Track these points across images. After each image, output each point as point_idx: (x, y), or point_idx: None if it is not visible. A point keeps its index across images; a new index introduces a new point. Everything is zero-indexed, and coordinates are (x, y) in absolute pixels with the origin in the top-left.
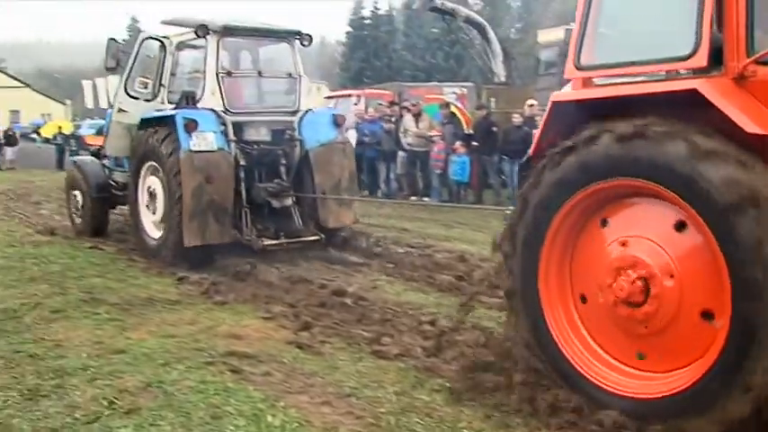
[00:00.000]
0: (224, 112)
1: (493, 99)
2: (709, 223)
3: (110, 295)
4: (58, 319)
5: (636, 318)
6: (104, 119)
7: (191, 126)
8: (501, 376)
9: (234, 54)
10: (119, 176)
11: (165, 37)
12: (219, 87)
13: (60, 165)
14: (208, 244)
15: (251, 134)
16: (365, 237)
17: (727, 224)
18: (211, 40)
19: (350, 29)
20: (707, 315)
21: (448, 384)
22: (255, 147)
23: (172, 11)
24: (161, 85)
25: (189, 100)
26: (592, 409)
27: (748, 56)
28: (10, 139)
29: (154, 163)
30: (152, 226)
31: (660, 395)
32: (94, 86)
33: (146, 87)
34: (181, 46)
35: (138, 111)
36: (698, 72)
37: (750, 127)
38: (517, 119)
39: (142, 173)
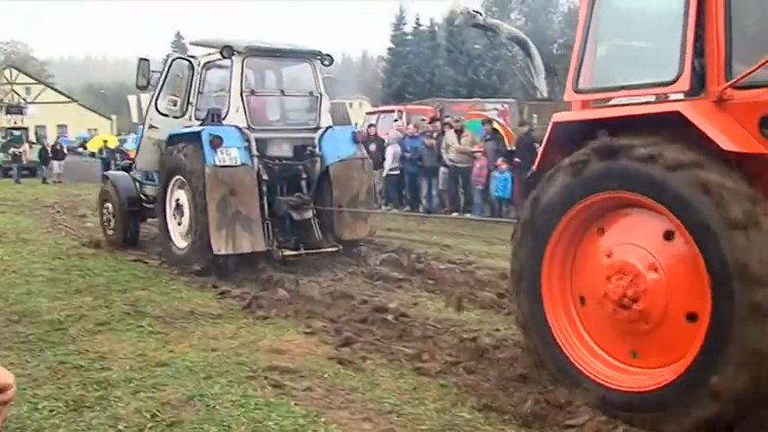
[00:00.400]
0: (248, 129)
1: (535, 115)
2: (690, 231)
3: (153, 308)
4: (103, 331)
5: (628, 318)
6: None
7: (216, 142)
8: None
9: (258, 73)
10: (149, 190)
11: (192, 57)
12: (244, 105)
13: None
14: (233, 254)
15: (273, 150)
16: (406, 253)
17: (704, 232)
18: (236, 60)
19: (392, 45)
20: (691, 317)
21: (489, 402)
22: (278, 162)
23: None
24: (189, 102)
25: (215, 117)
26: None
27: (726, 81)
28: (57, 154)
29: (181, 177)
30: (179, 236)
31: (648, 389)
32: (139, 101)
33: (175, 105)
34: (208, 66)
35: (167, 127)
36: (687, 95)
37: (727, 145)
38: None
39: (170, 186)
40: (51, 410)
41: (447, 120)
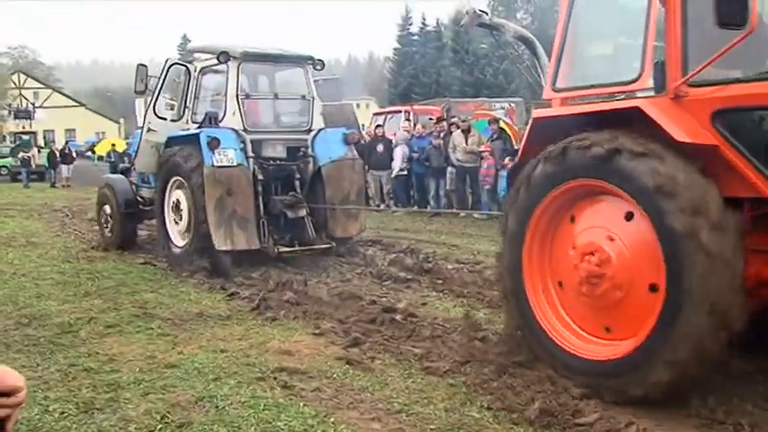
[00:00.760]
0: (243, 131)
1: None
2: (644, 208)
3: (162, 310)
4: (112, 333)
5: (598, 293)
6: None
7: (213, 144)
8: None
9: (252, 78)
10: (145, 192)
11: (189, 62)
12: (239, 108)
13: None
14: (232, 250)
15: (268, 151)
16: (415, 253)
17: (654, 207)
18: (232, 65)
19: (398, 45)
20: (653, 288)
21: (498, 402)
22: (272, 162)
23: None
24: (186, 106)
25: (211, 120)
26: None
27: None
28: (65, 158)
29: (180, 177)
30: (177, 235)
31: (615, 358)
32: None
33: (172, 109)
34: (204, 71)
35: (165, 130)
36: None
37: (680, 136)
38: None
39: (168, 187)
40: (62, 413)
41: (454, 120)
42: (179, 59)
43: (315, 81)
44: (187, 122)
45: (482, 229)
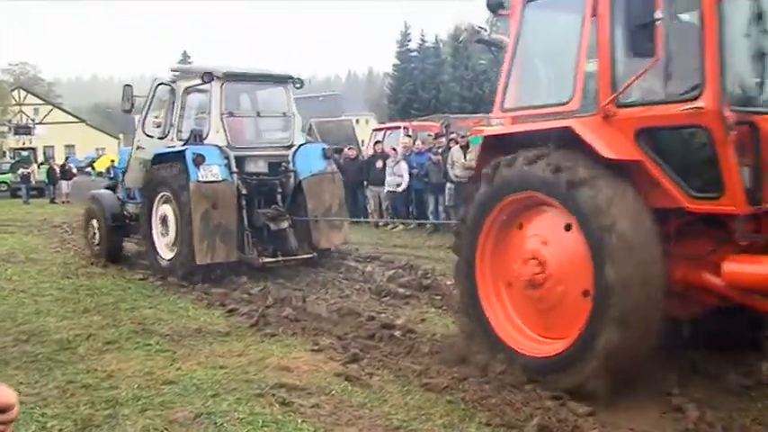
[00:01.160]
0: (227, 148)
1: None
2: (576, 220)
3: (161, 326)
4: (111, 350)
5: (539, 296)
6: None
7: (198, 160)
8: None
9: (235, 97)
10: (131, 208)
11: (174, 82)
12: (223, 126)
13: None
14: (216, 262)
15: (251, 166)
16: (413, 269)
17: (585, 219)
18: (215, 85)
19: (397, 61)
20: (586, 293)
21: (497, 418)
22: (255, 177)
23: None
24: (171, 124)
25: (196, 137)
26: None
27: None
28: (65, 174)
29: (167, 192)
30: (164, 248)
31: (553, 354)
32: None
33: (159, 127)
34: (189, 90)
35: (152, 147)
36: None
37: (606, 153)
38: None
39: (156, 202)
40: (60, 430)
41: (453, 135)
42: (165, 80)
43: (315, 97)
44: (173, 140)
45: None
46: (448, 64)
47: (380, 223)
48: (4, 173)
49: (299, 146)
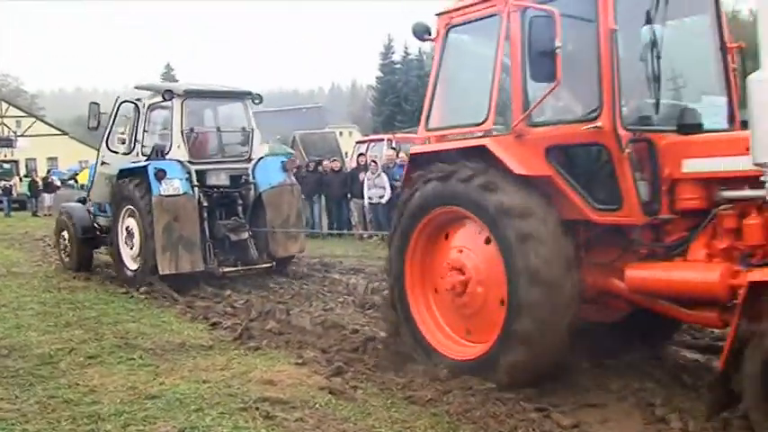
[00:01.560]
0: (188, 162)
1: None
2: (491, 233)
3: (144, 340)
4: (93, 364)
5: (460, 303)
6: None
7: (160, 174)
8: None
9: (196, 113)
10: (102, 220)
11: (138, 100)
12: (184, 141)
13: None
14: (179, 273)
15: (212, 179)
16: None
17: (499, 233)
18: (176, 102)
19: (381, 74)
20: (503, 302)
21: (481, 430)
22: (216, 190)
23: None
24: (136, 140)
25: (159, 153)
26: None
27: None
28: (48, 186)
29: (131, 206)
30: (130, 259)
31: (472, 357)
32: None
33: (123, 143)
34: (152, 107)
35: (117, 163)
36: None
37: (517, 169)
38: None
39: (121, 215)
40: None
41: None
42: (128, 98)
43: (299, 109)
44: (137, 155)
45: None
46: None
47: (365, 236)
48: None
49: (259, 159)
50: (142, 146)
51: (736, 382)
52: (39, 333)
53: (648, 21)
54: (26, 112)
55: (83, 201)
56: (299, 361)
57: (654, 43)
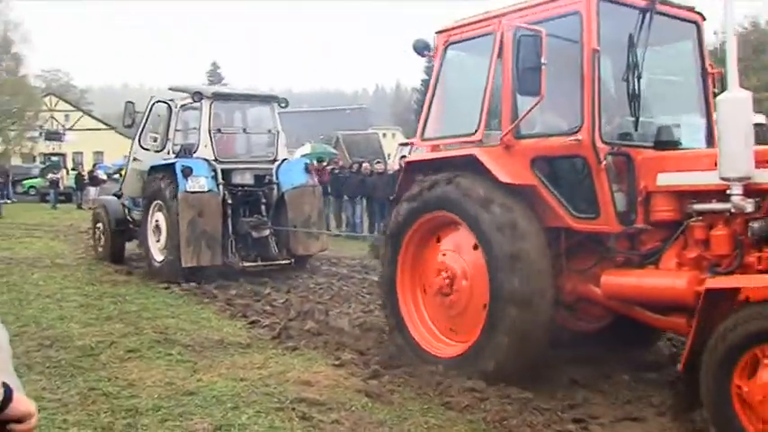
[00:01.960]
0: (214, 161)
1: None
2: (477, 239)
3: (183, 336)
4: (133, 358)
5: (447, 304)
6: None
7: (186, 171)
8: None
9: (225, 114)
10: (135, 214)
11: (171, 100)
12: (211, 141)
13: None
14: (201, 266)
15: (237, 178)
16: None
17: (484, 239)
18: (205, 103)
19: (425, 76)
20: (485, 305)
21: None
22: (240, 189)
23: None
24: (167, 138)
25: (187, 151)
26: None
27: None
28: (93, 180)
29: (160, 201)
30: (157, 251)
31: (456, 355)
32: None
33: (155, 141)
34: (183, 107)
35: (148, 160)
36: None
37: (504, 178)
38: None
39: (151, 209)
40: None
41: None
42: (162, 98)
43: (343, 110)
44: (168, 153)
45: None
46: None
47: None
48: (34, 177)
49: (283, 160)
50: (173, 144)
51: (696, 383)
52: (81, 325)
53: (632, 44)
54: (74, 107)
55: (119, 195)
56: (337, 362)
57: (636, 65)
